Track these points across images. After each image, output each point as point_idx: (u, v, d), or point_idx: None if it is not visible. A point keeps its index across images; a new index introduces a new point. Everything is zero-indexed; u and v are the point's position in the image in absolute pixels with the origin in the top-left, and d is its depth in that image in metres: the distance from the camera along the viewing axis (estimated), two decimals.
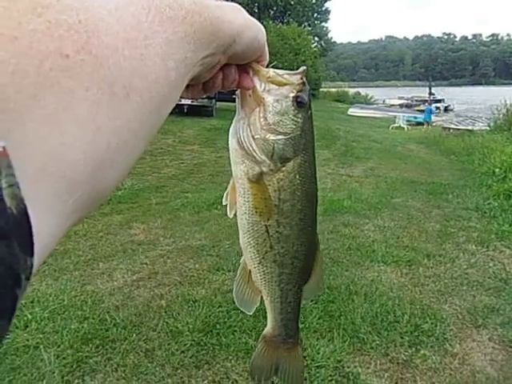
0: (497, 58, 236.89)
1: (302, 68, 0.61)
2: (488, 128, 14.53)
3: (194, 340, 2.94)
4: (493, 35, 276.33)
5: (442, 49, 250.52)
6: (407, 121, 20.23)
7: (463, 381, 2.69)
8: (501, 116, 14.25)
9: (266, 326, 2.80)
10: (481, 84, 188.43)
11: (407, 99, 39.87)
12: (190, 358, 2.79)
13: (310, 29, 39.75)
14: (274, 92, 0.57)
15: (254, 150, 0.58)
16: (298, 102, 0.58)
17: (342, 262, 4.29)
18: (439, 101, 38.88)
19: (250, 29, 0.47)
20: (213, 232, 4.97)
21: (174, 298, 3.48)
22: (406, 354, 2.90)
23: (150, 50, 0.33)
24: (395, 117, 20.49)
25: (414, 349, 2.95)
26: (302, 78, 0.59)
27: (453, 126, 17.19)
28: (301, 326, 3.08)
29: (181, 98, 0.49)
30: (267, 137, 0.57)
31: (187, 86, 0.46)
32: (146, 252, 4.36)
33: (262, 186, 0.60)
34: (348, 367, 2.74)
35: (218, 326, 3.10)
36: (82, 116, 0.28)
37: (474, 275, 4.11)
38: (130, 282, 3.74)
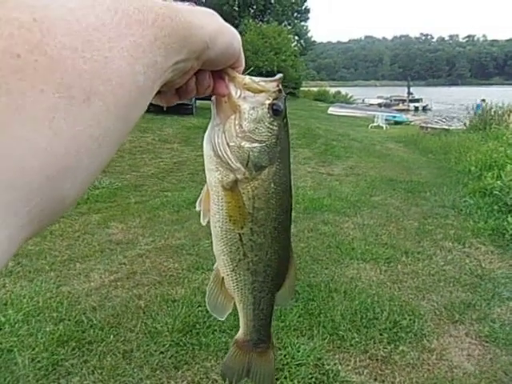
0: (473, 58, 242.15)
1: (278, 75, 0.60)
2: (464, 127, 14.83)
3: (173, 340, 2.90)
4: (469, 36, 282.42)
5: (420, 49, 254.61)
6: (386, 120, 20.49)
7: (441, 376, 2.73)
8: (476, 116, 14.56)
9: None
10: (457, 84, 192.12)
11: (386, 98, 40.40)
12: (169, 358, 2.76)
13: (290, 28, 39.83)
14: (249, 99, 0.56)
15: (229, 158, 0.57)
16: (274, 110, 0.58)
17: (322, 259, 4.31)
18: (417, 100, 39.49)
19: (224, 34, 0.46)
20: (193, 231, 4.93)
21: (152, 298, 3.44)
22: (385, 350, 2.93)
23: (115, 53, 0.31)
24: (374, 116, 20.74)
25: (392, 345, 2.98)
26: (277, 86, 0.58)
27: (430, 126, 17.49)
28: (281, 324, 3.09)
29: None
30: (242, 144, 0.57)
31: (160, 92, 0.44)
32: (125, 252, 4.30)
33: (236, 194, 0.59)
34: (328, 365, 2.75)
35: (197, 326, 3.07)
36: (35, 120, 0.26)
37: (450, 272, 4.18)
38: (108, 282, 3.67)
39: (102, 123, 0.31)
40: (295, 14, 42.82)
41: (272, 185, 0.60)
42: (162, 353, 2.79)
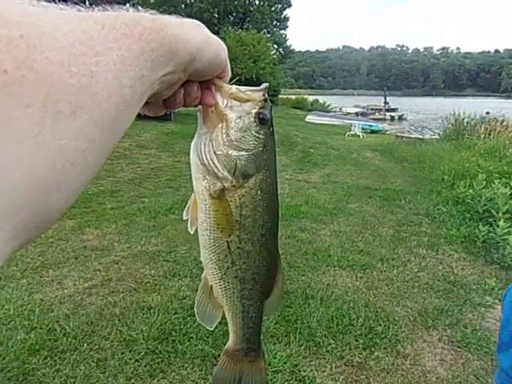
0: (447, 70, 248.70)
1: (264, 85, 0.61)
2: (438, 137, 15.19)
3: (148, 348, 2.87)
4: (443, 48, 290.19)
5: (396, 60, 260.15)
6: (363, 128, 20.81)
7: (414, 381, 2.77)
8: (450, 126, 14.95)
9: (223, 332, 2.76)
10: (432, 95, 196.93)
11: (363, 108, 41.06)
12: (145, 366, 2.72)
13: (269, 36, 40.12)
14: (236, 108, 0.57)
15: (216, 166, 0.57)
16: (260, 119, 0.58)
17: (299, 266, 4.33)
18: (393, 110, 40.28)
19: (211, 46, 0.47)
20: (169, 237, 4.89)
21: (128, 306, 3.39)
22: (361, 356, 2.96)
23: (102, 67, 0.31)
24: (351, 124, 21.03)
25: (368, 351, 3.01)
26: (264, 95, 0.59)
27: (405, 135, 17.85)
28: None
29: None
30: (229, 153, 0.57)
31: (147, 103, 0.45)
32: (100, 258, 4.23)
33: (223, 202, 0.60)
34: (304, 371, 2.76)
35: (173, 333, 3.04)
36: (21, 134, 0.26)
37: (424, 278, 4.26)
38: (82, 289, 3.60)
39: (89, 136, 0.31)
40: (274, 22, 43.17)
41: (259, 192, 0.61)
42: (137, 361, 2.75)
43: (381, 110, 38.62)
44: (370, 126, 23.45)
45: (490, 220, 5.61)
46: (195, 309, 0.71)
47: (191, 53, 0.43)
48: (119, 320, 3.19)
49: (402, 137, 17.04)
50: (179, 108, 0.54)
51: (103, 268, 4.02)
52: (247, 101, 0.58)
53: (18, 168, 0.26)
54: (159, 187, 7.19)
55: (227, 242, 0.63)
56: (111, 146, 0.36)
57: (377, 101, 48.70)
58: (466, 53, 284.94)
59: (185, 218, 0.65)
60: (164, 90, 0.44)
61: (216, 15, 37.93)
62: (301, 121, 25.46)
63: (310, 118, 27.13)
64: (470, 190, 6.65)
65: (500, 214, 5.47)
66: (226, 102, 0.56)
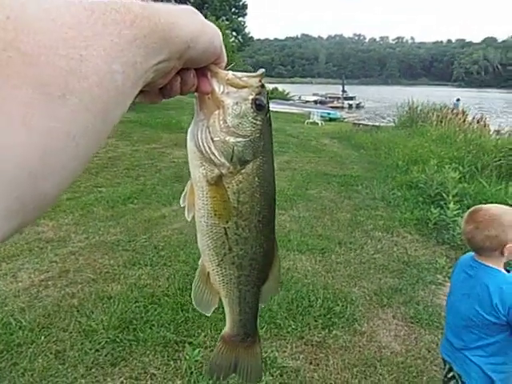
0: (402, 59, 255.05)
1: (261, 71, 0.60)
2: (393, 124, 15.64)
3: (109, 337, 2.84)
4: (398, 38, 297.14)
5: (353, 49, 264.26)
6: (321, 116, 21.08)
7: (370, 356, 2.90)
8: (404, 113, 15.43)
9: (184, 318, 2.78)
10: (388, 84, 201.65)
11: (321, 96, 41.50)
12: (105, 356, 2.70)
13: (227, 23, 39.67)
14: (232, 95, 0.57)
15: (213, 153, 0.57)
16: (257, 105, 0.58)
17: None
18: (351, 98, 40.96)
19: (206, 34, 0.46)
20: (129, 227, 4.82)
21: (86, 296, 3.33)
22: (320, 335, 3.06)
23: (92, 52, 0.31)
24: (310, 112, 21.25)
25: (326, 330, 3.12)
26: (260, 81, 0.59)
27: (362, 122, 18.26)
28: (219, 316, 3.12)
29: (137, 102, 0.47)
30: (226, 139, 0.57)
31: (143, 92, 0.44)
32: (56, 250, 4.12)
33: (220, 189, 0.60)
34: (265, 352, 2.82)
35: (134, 322, 3.02)
36: (10, 115, 0.26)
37: (380, 259, 4.42)
38: (38, 281, 3.51)
39: (79, 121, 0.31)
40: (233, 10, 42.71)
41: (256, 179, 0.61)
42: (97, 350, 2.73)
43: (339, 98, 39.23)
44: (329, 113, 23.78)
45: (441, 203, 5.88)
46: (192, 295, 0.71)
47: (185, 41, 0.43)
48: (78, 311, 3.13)
49: (359, 124, 17.44)
50: (176, 96, 0.53)
51: (60, 259, 3.93)
52: (244, 87, 0.57)
53: (7, 149, 0.26)
54: (117, 177, 7.04)
55: (224, 228, 0.63)
56: (104, 133, 0.35)
57: (335, 89, 49.41)
58: (420, 43, 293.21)
59: (182, 205, 0.64)
60: (159, 78, 0.44)
61: (173, 2, 37.07)
62: None
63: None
64: (423, 175, 6.94)
65: (450, 197, 5.74)
66: (222, 88, 0.56)
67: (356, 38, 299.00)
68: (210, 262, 0.67)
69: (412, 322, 3.34)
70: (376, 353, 2.94)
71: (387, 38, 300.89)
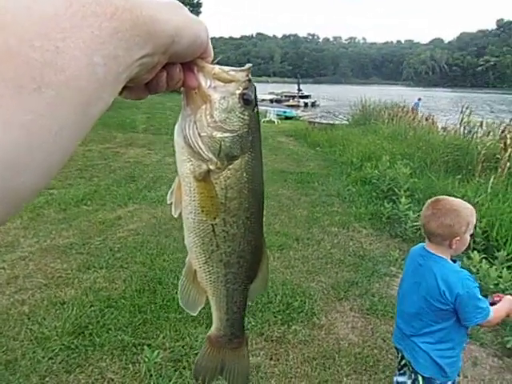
0: (354, 59, 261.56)
1: (248, 65, 0.59)
2: (347, 122, 16.02)
3: (63, 344, 2.74)
4: (350, 38, 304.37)
5: (308, 48, 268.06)
6: (277, 115, 21.24)
7: (329, 349, 2.96)
8: (358, 112, 15.83)
9: (143, 320, 2.72)
10: (341, 83, 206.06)
11: (277, 94, 41.80)
12: (60, 363, 2.60)
13: None
14: (219, 89, 0.56)
15: (201, 148, 0.56)
16: (245, 100, 0.57)
17: None
18: (306, 97, 41.52)
19: (191, 28, 0.45)
20: (82, 229, 4.67)
21: (38, 303, 3.20)
22: (279, 331, 3.09)
23: (69, 43, 0.30)
24: (266, 111, 21.37)
25: (286, 325, 3.15)
26: (247, 75, 0.58)
27: (318, 121, 18.58)
28: (178, 316, 3.09)
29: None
30: (214, 134, 0.56)
31: (129, 88, 0.44)
32: (3, 255, 3.92)
33: (208, 185, 0.58)
34: None
35: (90, 327, 2.93)
36: None
37: (336, 254, 4.52)
38: None
39: (57, 115, 0.30)
40: (187, 7, 42.29)
41: (244, 174, 0.60)
42: (51, 358, 2.63)
43: (294, 96, 39.63)
44: (285, 112, 24.00)
45: (394, 198, 6.09)
46: (179, 294, 0.70)
47: (170, 35, 0.42)
48: (29, 318, 3.00)
49: (315, 123, 17.71)
50: (162, 91, 0.52)
51: (8, 265, 3.75)
52: (231, 81, 0.56)
53: None
54: (69, 178, 6.80)
55: (212, 225, 0.61)
56: (85, 128, 0.34)
57: (290, 88, 49.94)
58: (372, 43, 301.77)
59: (169, 202, 0.63)
60: (144, 73, 0.43)
61: None
62: None
63: None
64: (376, 171, 7.16)
65: (402, 192, 5.95)
66: (209, 82, 0.55)
67: (310, 37, 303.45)
68: (196, 259, 0.66)
69: (368, 314, 3.44)
70: (334, 345, 3.01)
71: (340, 38, 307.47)
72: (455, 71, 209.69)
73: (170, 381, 2.48)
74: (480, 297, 1.79)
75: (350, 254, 4.57)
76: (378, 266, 4.31)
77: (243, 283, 0.70)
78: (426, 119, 12.44)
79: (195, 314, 0.72)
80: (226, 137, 0.57)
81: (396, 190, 6.28)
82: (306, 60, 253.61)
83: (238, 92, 0.56)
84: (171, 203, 0.63)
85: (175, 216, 0.63)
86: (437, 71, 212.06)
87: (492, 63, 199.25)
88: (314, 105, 39.43)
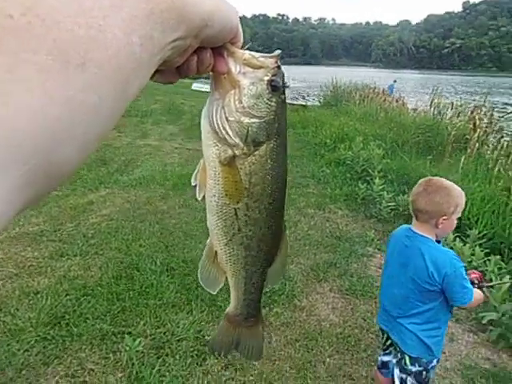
0: (324, 40, 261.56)
1: (277, 52, 0.59)
2: (319, 103, 16.04)
3: (38, 335, 2.65)
4: (320, 19, 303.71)
5: (277, 29, 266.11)
6: None
7: (311, 330, 2.98)
8: (329, 93, 15.85)
9: (121, 308, 2.65)
10: (311, 64, 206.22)
11: None
12: (36, 355, 2.51)
13: None
14: (249, 75, 0.56)
15: (228, 133, 0.57)
16: (273, 86, 0.57)
17: (195, 234, 4.31)
18: None
19: (223, 11, 0.45)
20: (53, 215, 4.50)
21: (9, 293, 3.07)
22: None
23: (110, 22, 0.31)
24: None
25: (267, 308, 3.15)
26: (276, 62, 0.58)
27: (289, 102, 18.50)
28: (158, 302, 3.04)
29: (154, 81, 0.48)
30: (241, 119, 0.56)
31: (160, 71, 0.44)
32: None
33: (233, 169, 0.59)
34: (208, 335, 2.79)
35: (66, 316, 2.84)
36: (28, 80, 0.26)
37: (314, 236, 4.54)
38: None
39: (99, 91, 0.31)
40: None
41: (269, 161, 0.61)
42: (26, 351, 2.53)
43: None
44: None
45: (368, 178, 6.16)
46: (199, 273, 0.72)
47: (202, 18, 0.42)
48: (0, 310, 2.88)
49: (287, 104, 17.63)
50: (192, 74, 0.52)
51: None
52: (260, 67, 0.56)
53: (25, 114, 0.26)
54: None
55: (235, 208, 0.63)
56: (123, 105, 0.35)
57: None
58: (341, 24, 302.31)
59: (193, 184, 0.64)
60: (176, 56, 0.43)
61: None
62: (187, 89, 24.94)
63: (195, 86, 26.63)
64: (350, 152, 7.19)
65: (376, 173, 6.02)
66: (238, 68, 0.55)
67: (280, 17, 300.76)
68: (218, 241, 0.68)
69: (347, 294, 3.48)
70: (316, 326, 3.03)
71: (310, 18, 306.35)
72: (422, 53, 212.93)
73: (153, 369, 2.44)
74: (466, 276, 1.81)
75: (327, 236, 4.60)
76: (355, 246, 4.35)
77: (262, 266, 0.72)
78: (397, 101, 12.58)
79: (214, 293, 0.75)
80: (254, 122, 0.57)
81: (370, 170, 6.34)
82: (275, 41, 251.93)
83: (266, 78, 0.57)
84: (195, 185, 0.64)
85: (199, 198, 0.64)
86: (405, 53, 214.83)
87: (458, 45, 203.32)
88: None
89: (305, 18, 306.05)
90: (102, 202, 5.03)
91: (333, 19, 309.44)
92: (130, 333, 2.73)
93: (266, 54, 0.58)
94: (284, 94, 0.61)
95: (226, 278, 0.73)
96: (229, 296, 0.78)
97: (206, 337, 2.78)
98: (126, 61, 0.33)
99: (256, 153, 0.59)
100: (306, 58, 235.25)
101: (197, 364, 2.56)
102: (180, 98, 16.86)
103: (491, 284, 2.67)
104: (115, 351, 2.59)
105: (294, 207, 5.34)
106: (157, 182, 5.95)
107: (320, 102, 16.28)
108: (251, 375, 2.52)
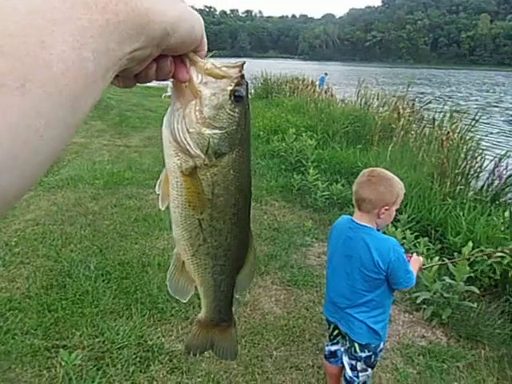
0: (252, 33, 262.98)
1: (241, 61, 0.58)
2: (250, 96, 16.08)
3: None
4: (247, 11, 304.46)
5: (206, 21, 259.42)
6: None
7: (256, 324, 2.97)
8: (260, 85, 15.95)
9: (54, 320, 2.47)
10: (240, 56, 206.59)
11: None
12: None
13: None
14: (211, 85, 0.54)
15: (189, 144, 0.55)
16: (236, 96, 0.55)
17: (130, 235, 4.14)
18: None
19: (186, 21, 0.44)
20: None
21: None
22: None
23: (57, 38, 0.29)
24: (167, 86, 20.69)
25: None
26: (240, 72, 0.56)
27: None
28: (95, 310, 2.88)
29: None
30: (202, 131, 0.55)
31: (116, 76, 0.42)
32: None
33: (195, 180, 0.58)
34: (151, 340, 2.69)
35: None
36: None
37: (252, 229, 4.51)
38: None
39: (44, 113, 0.29)
40: None
41: (232, 171, 0.60)
42: None
43: None
44: None
45: (302, 169, 6.26)
46: (167, 282, 0.71)
47: (164, 28, 0.40)
48: None
49: None
50: (151, 81, 0.50)
51: None
52: (223, 77, 0.55)
53: None
54: None
55: (199, 219, 0.62)
56: (74, 124, 0.33)
57: None
58: (268, 17, 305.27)
59: (157, 193, 0.63)
60: (134, 65, 0.42)
61: None
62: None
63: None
64: (283, 144, 7.28)
65: (309, 163, 6.14)
66: (200, 77, 0.53)
67: (207, 9, 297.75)
68: (184, 251, 0.67)
69: (289, 285, 3.51)
70: (261, 320, 3.02)
71: (237, 10, 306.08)
72: (347, 45, 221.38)
73: (93, 382, 2.29)
74: (407, 261, 1.88)
75: (265, 228, 4.61)
76: (293, 237, 4.41)
77: (230, 274, 0.72)
78: (326, 92, 12.92)
79: (185, 301, 0.75)
80: (215, 133, 0.56)
81: (304, 161, 6.46)
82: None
83: (229, 88, 0.55)
84: (158, 195, 0.63)
85: (162, 209, 0.63)
86: (330, 45, 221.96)
87: (379, 38, 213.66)
88: None
89: (232, 11, 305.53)
90: (26, 206, 4.67)
91: (260, 12, 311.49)
92: (64, 346, 2.55)
93: (229, 64, 0.57)
94: (248, 103, 0.59)
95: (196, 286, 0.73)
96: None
97: (149, 341, 2.67)
98: (76, 78, 0.31)
99: (218, 163, 0.58)
100: (234, 51, 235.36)
101: (140, 371, 2.45)
102: (107, 93, 16.13)
103: (425, 267, 2.80)
104: (49, 367, 2.40)
105: None
106: (86, 181, 5.64)
107: (251, 94, 16.34)
108: (198, 377, 2.45)
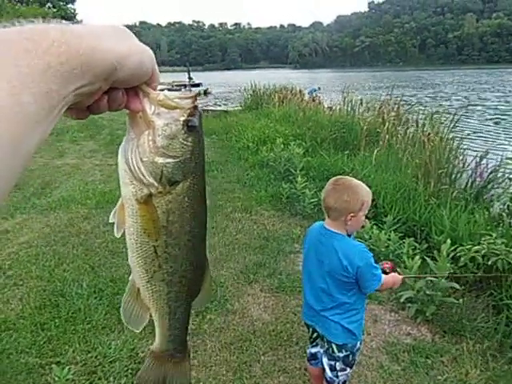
0: (241, 44, 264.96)
1: (194, 92, 0.62)
2: (240, 108, 16.23)
3: None
4: (236, 24, 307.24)
5: (194, 36, 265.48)
6: None
7: (245, 331, 3.05)
8: (249, 97, 16.10)
9: (47, 338, 2.56)
10: (231, 68, 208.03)
11: (168, 84, 40.87)
12: None
13: (54, 11, 36.30)
14: (164, 115, 0.56)
15: (142, 173, 0.57)
16: (189, 126, 0.57)
17: (122, 251, 4.22)
18: (198, 85, 41.07)
19: (134, 54, 0.45)
20: None
21: None
22: (195, 322, 3.10)
23: None
24: None
25: (200, 316, 3.18)
26: (193, 102, 0.58)
27: (211, 108, 18.59)
28: (87, 326, 2.96)
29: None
30: (155, 160, 0.56)
31: (69, 108, 0.42)
32: None
33: (150, 208, 0.59)
34: (142, 352, 2.76)
35: None
36: None
37: (242, 239, 4.63)
38: None
39: None
40: None
41: (186, 199, 0.61)
42: None
43: (186, 85, 39.06)
44: None
45: (291, 178, 6.36)
46: (121, 311, 0.71)
47: (111, 63, 0.41)
48: None
49: (208, 110, 17.69)
50: (104, 111, 0.51)
51: None
52: (175, 108, 0.56)
53: None
54: None
55: (154, 246, 0.62)
56: (18, 166, 0.34)
57: (181, 77, 49.11)
58: (257, 28, 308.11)
59: (111, 221, 0.64)
60: (84, 99, 0.42)
61: None
62: None
63: None
64: (272, 154, 7.38)
65: (297, 172, 6.25)
66: (153, 108, 0.55)
67: (196, 24, 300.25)
68: (139, 278, 0.68)
69: (278, 292, 3.59)
70: (249, 327, 3.11)
71: (226, 24, 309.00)
72: (336, 52, 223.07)
73: None
74: (375, 265, 1.97)
75: (255, 237, 4.70)
76: (282, 245, 4.50)
77: (186, 301, 0.73)
78: (313, 100, 13.08)
79: (138, 331, 0.75)
80: (168, 162, 0.57)
81: (292, 170, 6.56)
82: (193, 48, 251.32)
83: (182, 119, 0.57)
84: (113, 223, 0.64)
85: (118, 236, 0.64)
86: (319, 53, 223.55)
87: (367, 43, 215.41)
88: (206, 92, 39.19)
89: (221, 24, 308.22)
90: (19, 229, 4.76)
91: (248, 24, 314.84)
92: (58, 362, 2.63)
93: (182, 95, 0.58)
94: (202, 133, 0.61)
95: (151, 314, 0.73)
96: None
97: (140, 354, 2.75)
98: (16, 122, 0.31)
99: (172, 192, 0.59)
100: (225, 63, 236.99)
101: (132, 383, 2.53)
102: None
103: (405, 276, 2.83)
104: None
105: (221, 213, 5.39)
106: (78, 201, 5.73)
107: (241, 105, 16.48)
108: None
